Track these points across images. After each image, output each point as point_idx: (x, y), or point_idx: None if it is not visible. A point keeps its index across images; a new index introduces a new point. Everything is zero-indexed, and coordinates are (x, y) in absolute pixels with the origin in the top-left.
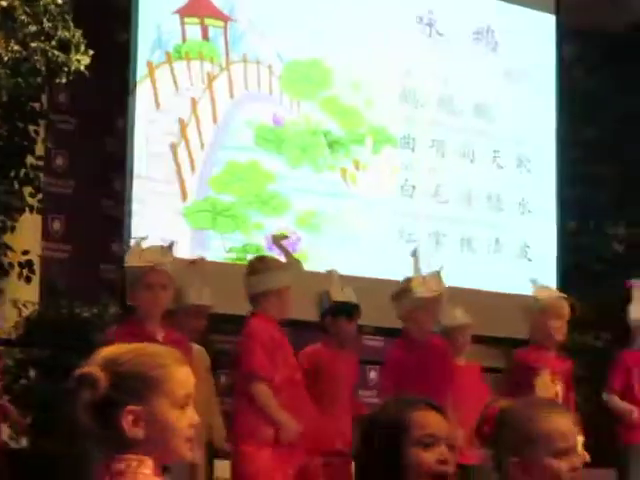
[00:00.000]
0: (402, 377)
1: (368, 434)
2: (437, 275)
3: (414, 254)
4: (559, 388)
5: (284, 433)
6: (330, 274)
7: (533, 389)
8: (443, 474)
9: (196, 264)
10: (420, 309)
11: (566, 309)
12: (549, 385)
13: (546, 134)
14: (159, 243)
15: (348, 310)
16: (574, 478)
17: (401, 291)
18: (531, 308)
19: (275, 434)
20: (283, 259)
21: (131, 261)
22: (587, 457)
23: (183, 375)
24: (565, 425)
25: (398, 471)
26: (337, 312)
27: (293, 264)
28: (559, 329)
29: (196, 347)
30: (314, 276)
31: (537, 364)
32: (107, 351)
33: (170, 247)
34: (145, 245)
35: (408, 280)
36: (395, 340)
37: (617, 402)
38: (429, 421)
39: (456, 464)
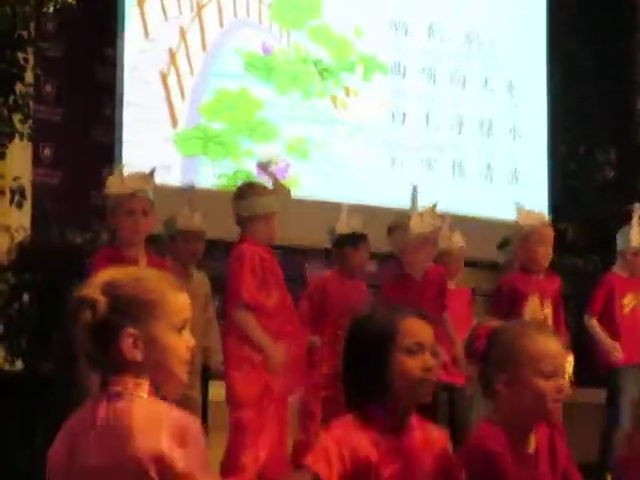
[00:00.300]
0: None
1: (355, 337)
2: (433, 210)
3: (414, 191)
4: (548, 311)
5: (269, 359)
6: (340, 208)
7: (521, 314)
8: (427, 381)
9: (186, 190)
10: (416, 245)
11: (550, 235)
12: (538, 310)
13: (537, 58)
14: (144, 170)
15: (352, 240)
16: (559, 399)
17: (397, 226)
18: (516, 234)
19: (263, 359)
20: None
21: (112, 188)
22: (571, 378)
23: (180, 299)
24: (553, 347)
25: (383, 376)
26: (342, 243)
27: (281, 190)
28: (544, 255)
29: (196, 272)
30: (304, 202)
31: (525, 289)
32: (105, 275)
33: (151, 174)
34: (126, 172)
35: (403, 215)
36: (390, 272)
37: (598, 331)
38: (417, 329)
39: (440, 379)
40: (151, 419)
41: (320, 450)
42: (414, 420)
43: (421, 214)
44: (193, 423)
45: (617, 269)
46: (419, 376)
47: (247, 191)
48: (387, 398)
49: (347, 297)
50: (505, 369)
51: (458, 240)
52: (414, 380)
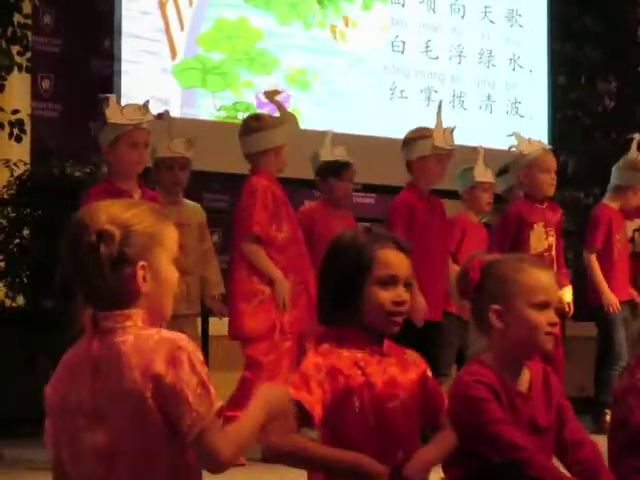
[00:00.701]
0: (411, 225)
1: (332, 261)
2: (452, 131)
3: (439, 105)
4: (552, 240)
5: (277, 289)
6: (324, 134)
7: (528, 242)
8: (397, 314)
9: (163, 118)
10: (434, 159)
11: (553, 161)
12: (542, 238)
13: None
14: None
15: (336, 169)
16: (552, 331)
17: (417, 137)
18: (518, 163)
19: (272, 292)
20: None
21: (113, 118)
22: (571, 309)
23: (173, 232)
24: (546, 279)
25: (355, 304)
26: (325, 171)
27: (289, 119)
28: (548, 182)
29: (189, 203)
30: (305, 133)
31: (530, 218)
32: (113, 208)
33: (146, 106)
34: (118, 103)
35: (426, 128)
36: (400, 192)
37: (597, 273)
38: (392, 261)
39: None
40: (144, 344)
41: (300, 378)
42: (388, 345)
43: (444, 130)
44: (187, 342)
45: (611, 202)
46: (389, 309)
47: (255, 125)
48: (359, 324)
49: (334, 227)
50: (498, 300)
51: (490, 175)
52: (384, 312)
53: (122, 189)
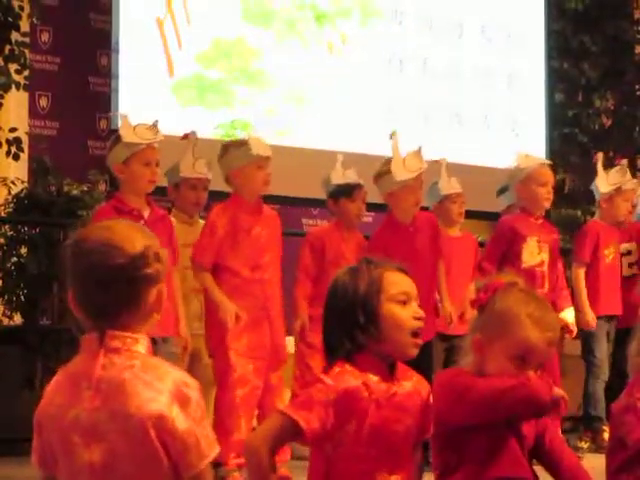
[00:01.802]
0: (390, 256)
1: (340, 291)
2: (417, 154)
3: (392, 136)
4: (545, 256)
5: (220, 311)
6: (334, 157)
7: (520, 256)
8: (418, 329)
9: (188, 138)
10: (401, 191)
11: (550, 175)
12: (535, 252)
13: (534, 4)
14: (147, 120)
15: (348, 191)
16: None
17: (381, 173)
18: (516, 177)
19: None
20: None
21: (127, 136)
22: (574, 331)
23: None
24: (538, 340)
25: (374, 327)
26: (337, 194)
27: (250, 142)
28: (544, 196)
29: (202, 223)
30: (302, 151)
31: (524, 231)
32: (141, 232)
33: (156, 126)
34: (127, 122)
35: (387, 162)
36: (381, 222)
37: (582, 288)
38: (400, 280)
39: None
40: (152, 378)
41: (306, 399)
42: (400, 369)
43: (403, 160)
44: (193, 383)
45: (598, 218)
46: (411, 325)
47: (221, 150)
48: (377, 349)
49: (345, 250)
50: (481, 330)
51: (456, 186)
52: (407, 329)
53: (132, 207)
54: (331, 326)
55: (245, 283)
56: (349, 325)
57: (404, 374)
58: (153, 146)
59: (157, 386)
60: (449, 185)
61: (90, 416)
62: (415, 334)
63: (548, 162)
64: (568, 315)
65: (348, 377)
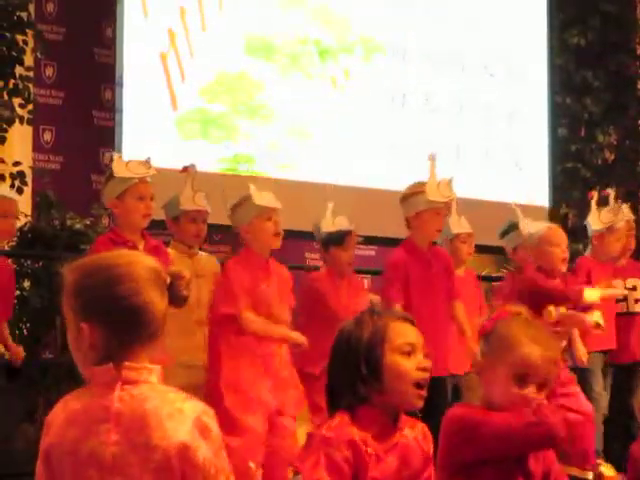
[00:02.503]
0: (406, 282)
1: (344, 342)
2: (449, 183)
3: (432, 158)
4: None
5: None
6: (325, 205)
7: (540, 315)
8: (423, 384)
9: (187, 171)
10: (428, 213)
11: (562, 236)
12: (553, 313)
13: (537, 42)
14: (150, 154)
15: (338, 239)
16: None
17: (412, 193)
18: (529, 243)
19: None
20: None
21: (119, 172)
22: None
23: None
24: (538, 358)
25: (377, 379)
26: (328, 242)
27: (250, 196)
28: (559, 255)
29: (203, 254)
30: (305, 185)
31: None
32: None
33: (148, 161)
34: (121, 159)
35: (421, 183)
36: (395, 248)
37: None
38: (406, 331)
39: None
40: (172, 408)
41: (327, 462)
42: (404, 418)
43: (438, 183)
44: (211, 412)
45: (589, 254)
46: (415, 376)
47: (230, 210)
48: (380, 401)
49: (340, 295)
50: (484, 355)
51: (466, 225)
52: (411, 380)
53: (127, 239)
54: (334, 376)
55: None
56: (352, 377)
57: (408, 422)
58: (146, 180)
59: (178, 416)
60: (459, 224)
61: (108, 450)
62: (419, 385)
63: (555, 225)
64: (595, 315)
65: (348, 429)
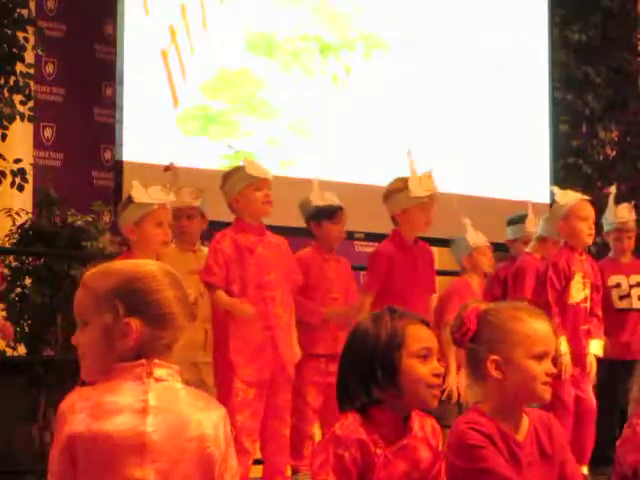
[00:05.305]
0: (390, 274)
1: (359, 342)
2: (430, 175)
3: (409, 154)
4: (588, 292)
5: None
6: (312, 182)
7: (568, 292)
8: (437, 387)
9: (170, 169)
10: (415, 208)
11: (590, 210)
12: (580, 289)
13: (538, 38)
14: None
15: (330, 212)
16: (549, 382)
17: (395, 190)
18: (556, 214)
19: None
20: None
21: (139, 197)
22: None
23: None
24: (545, 329)
25: (392, 382)
26: (319, 216)
27: (244, 167)
28: (586, 231)
29: (205, 250)
30: (305, 182)
31: (572, 267)
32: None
33: (167, 187)
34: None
35: (403, 179)
36: (383, 241)
37: None
38: (424, 335)
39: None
40: (203, 404)
41: (337, 466)
42: (415, 416)
43: (419, 177)
44: (227, 415)
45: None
46: (430, 382)
47: (222, 180)
48: (393, 403)
49: (329, 271)
50: (496, 351)
51: (483, 238)
52: (426, 385)
53: None
54: (348, 375)
55: (249, 302)
56: (366, 379)
57: (418, 421)
58: (165, 206)
59: (208, 411)
60: (477, 237)
61: (144, 438)
62: (433, 388)
63: (587, 198)
64: (591, 346)
65: (359, 429)
